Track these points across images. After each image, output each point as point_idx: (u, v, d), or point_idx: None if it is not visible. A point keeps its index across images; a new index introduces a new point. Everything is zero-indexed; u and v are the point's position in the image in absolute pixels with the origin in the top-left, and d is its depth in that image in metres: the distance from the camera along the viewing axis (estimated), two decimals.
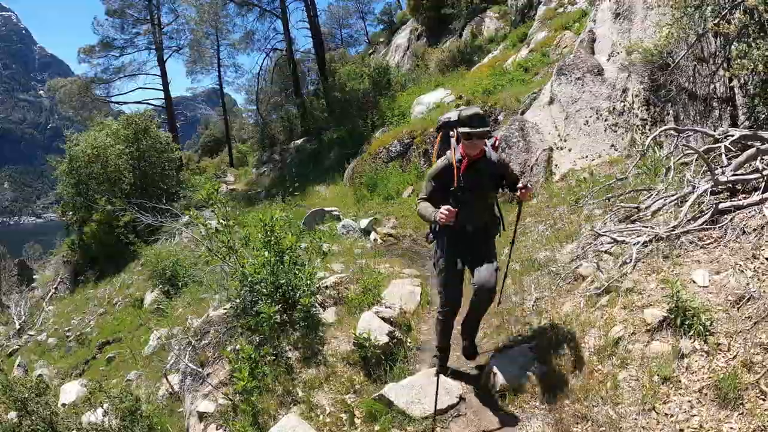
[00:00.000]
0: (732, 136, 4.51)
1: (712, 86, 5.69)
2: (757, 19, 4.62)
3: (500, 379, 3.47)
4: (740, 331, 2.77)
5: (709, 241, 3.54)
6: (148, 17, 24.39)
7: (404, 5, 26.29)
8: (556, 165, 7.29)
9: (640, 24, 6.97)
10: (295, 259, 4.44)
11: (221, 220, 4.40)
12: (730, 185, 3.92)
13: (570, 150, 7.26)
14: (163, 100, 25.77)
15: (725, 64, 5.30)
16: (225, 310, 4.63)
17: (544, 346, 3.64)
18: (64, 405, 5.67)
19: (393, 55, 23.17)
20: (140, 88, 26.49)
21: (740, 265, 3.14)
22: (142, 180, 16.61)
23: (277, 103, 26.06)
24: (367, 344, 3.92)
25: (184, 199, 15.78)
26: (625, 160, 6.45)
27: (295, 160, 19.06)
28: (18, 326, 13.58)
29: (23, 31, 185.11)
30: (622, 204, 4.83)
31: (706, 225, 3.63)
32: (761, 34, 4.58)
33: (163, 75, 25.31)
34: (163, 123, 23.16)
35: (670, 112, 6.34)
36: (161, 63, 25.07)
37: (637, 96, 6.78)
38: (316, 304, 4.52)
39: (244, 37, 24.41)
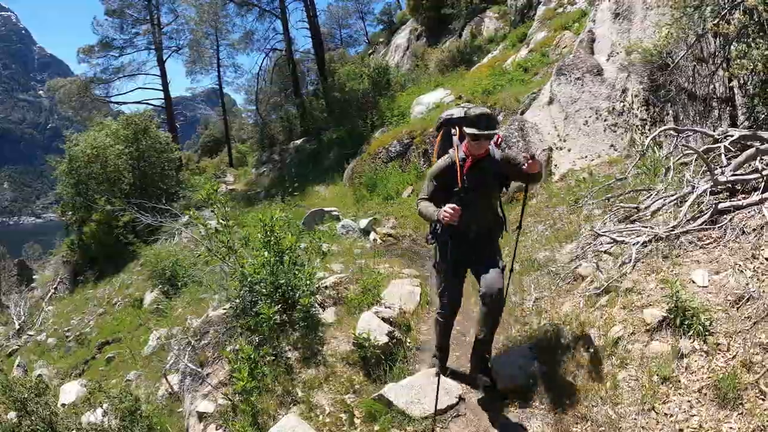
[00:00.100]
0: (731, 136, 4.51)
1: (711, 86, 5.69)
2: (756, 20, 4.63)
3: (500, 379, 3.47)
4: (740, 331, 2.77)
5: (708, 241, 3.54)
6: (148, 17, 24.39)
7: (404, 5, 26.34)
8: (556, 165, 7.29)
9: (640, 24, 6.97)
10: (295, 259, 4.44)
11: (221, 221, 4.40)
12: (730, 185, 3.93)
13: (569, 150, 7.26)
14: (163, 100, 25.78)
15: (725, 65, 5.30)
16: (224, 310, 4.62)
17: (543, 346, 3.65)
18: (63, 405, 5.66)
19: (392, 55, 23.18)
20: (140, 88, 26.56)
21: (740, 265, 3.14)
22: (142, 180, 16.62)
23: (276, 104, 26.04)
24: (366, 344, 3.92)
25: (183, 199, 15.80)
26: (624, 160, 6.45)
27: (294, 161, 19.05)
28: (17, 326, 13.57)
29: (23, 31, 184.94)
30: (621, 204, 4.83)
31: (706, 225, 3.64)
32: (761, 34, 4.58)
33: (163, 75, 25.32)
34: (162, 123, 23.17)
35: (670, 112, 6.35)
36: (161, 63, 25.08)
37: (636, 96, 6.79)
38: (316, 305, 4.52)
39: (244, 37, 24.42)
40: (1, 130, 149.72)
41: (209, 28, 25.37)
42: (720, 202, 3.75)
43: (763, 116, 4.94)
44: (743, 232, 3.40)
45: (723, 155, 4.32)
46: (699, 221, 3.68)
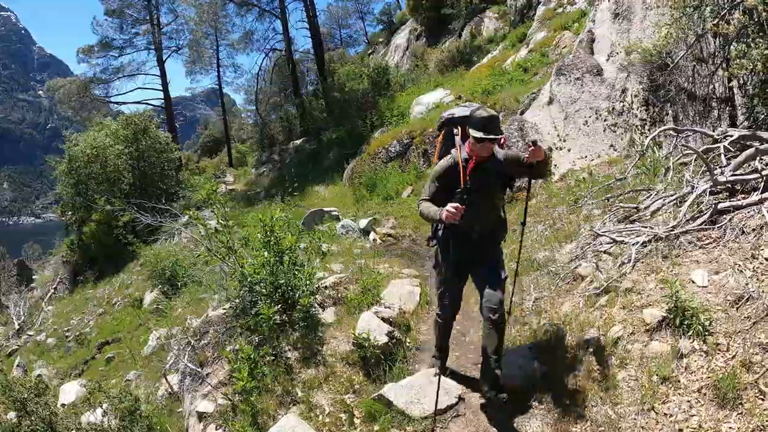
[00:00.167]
0: (731, 136, 4.51)
1: (711, 86, 5.69)
2: (756, 19, 4.62)
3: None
4: (739, 331, 2.78)
5: (708, 241, 3.54)
6: (147, 17, 24.40)
7: (403, 5, 26.35)
8: (556, 165, 7.29)
9: (639, 24, 6.97)
10: (295, 259, 4.44)
11: (220, 221, 4.40)
12: (729, 185, 3.93)
13: (569, 150, 7.27)
14: (163, 100, 25.79)
15: (724, 65, 5.30)
16: (224, 310, 4.62)
17: (543, 346, 3.65)
18: (63, 405, 5.66)
19: (392, 56, 23.17)
20: (139, 88, 26.66)
21: (739, 265, 3.15)
22: (142, 180, 16.62)
23: (276, 104, 26.05)
24: (366, 344, 3.92)
25: (183, 199, 15.81)
26: (624, 160, 6.46)
27: (294, 161, 19.05)
28: (17, 326, 13.56)
29: (22, 31, 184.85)
30: (621, 204, 4.83)
31: (705, 225, 3.64)
32: (760, 34, 4.58)
33: (163, 75, 25.33)
34: (162, 123, 23.17)
35: (669, 112, 6.35)
36: (160, 63, 25.08)
37: (636, 96, 6.79)
38: (316, 305, 4.52)
39: (243, 37, 24.46)
40: (0, 130, 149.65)
41: (209, 28, 25.39)
42: (719, 202, 3.75)
43: (762, 116, 4.94)
44: (743, 232, 3.40)
45: (722, 155, 4.32)
46: (698, 221, 3.68)
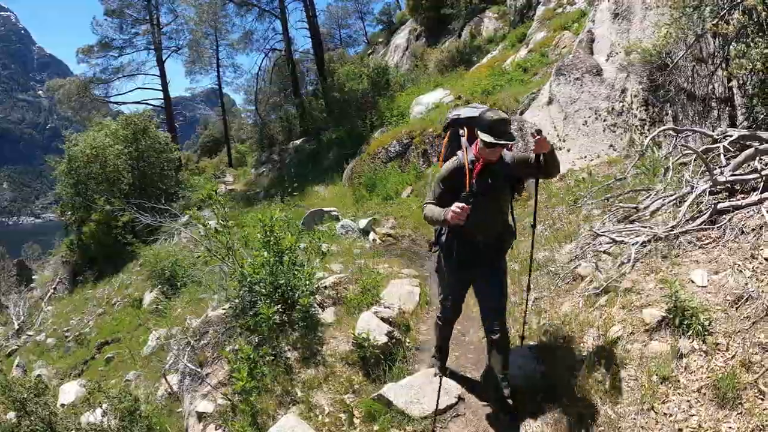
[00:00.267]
0: (730, 136, 4.51)
1: (710, 86, 5.69)
2: (755, 19, 4.63)
3: None
4: (739, 331, 2.78)
5: (707, 241, 3.54)
6: (147, 17, 24.40)
7: (403, 5, 26.36)
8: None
9: (639, 24, 6.98)
10: (294, 259, 4.44)
11: (220, 221, 4.39)
12: (729, 185, 3.93)
13: (569, 150, 7.27)
14: (162, 100, 25.78)
15: (724, 65, 5.31)
16: (224, 311, 4.62)
17: (542, 346, 3.65)
18: (63, 405, 5.66)
19: (392, 56, 23.18)
20: (139, 88, 26.65)
21: (739, 265, 3.15)
22: (141, 180, 16.62)
23: (275, 104, 26.05)
24: (366, 344, 3.92)
25: (182, 199, 15.81)
26: (623, 161, 6.46)
27: (293, 161, 19.04)
28: (17, 326, 13.56)
29: (22, 31, 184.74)
30: (620, 204, 4.83)
31: (705, 225, 3.64)
32: (760, 33, 4.58)
33: (162, 75, 25.32)
34: (162, 123, 23.17)
35: (669, 112, 6.35)
36: (160, 63, 25.08)
37: (635, 96, 6.79)
38: (315, 305, 4.52)
39: (243, 37, 24.47)
40: (0, 130, 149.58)
41: (208, 28, 25.39)
42: (719, 202, 3.75)
43: (762, 116, 4.94)
44: (742, 232, 3.40)
45: (722, 155, 4.32)
46: (698, 221, 3.68)
